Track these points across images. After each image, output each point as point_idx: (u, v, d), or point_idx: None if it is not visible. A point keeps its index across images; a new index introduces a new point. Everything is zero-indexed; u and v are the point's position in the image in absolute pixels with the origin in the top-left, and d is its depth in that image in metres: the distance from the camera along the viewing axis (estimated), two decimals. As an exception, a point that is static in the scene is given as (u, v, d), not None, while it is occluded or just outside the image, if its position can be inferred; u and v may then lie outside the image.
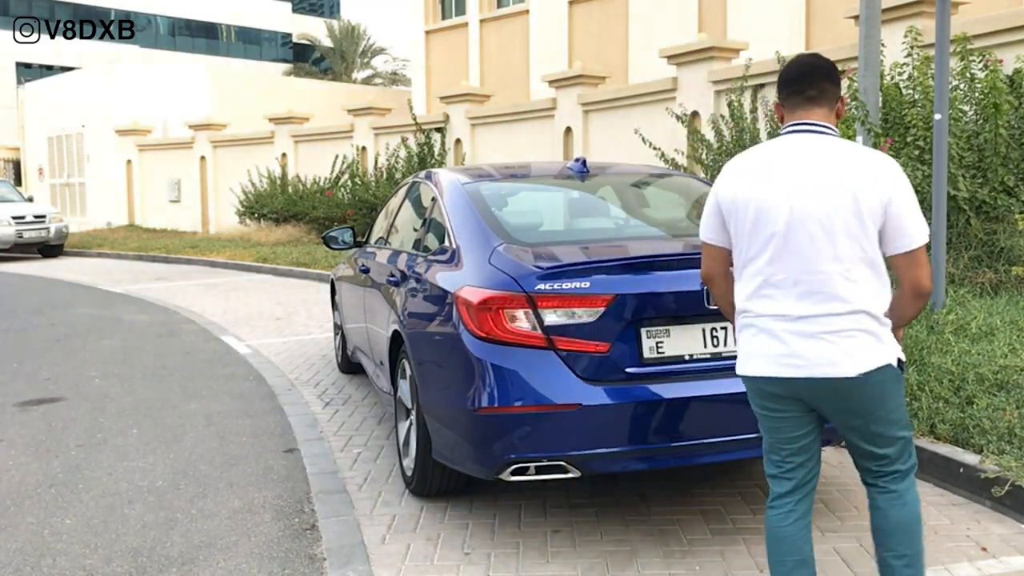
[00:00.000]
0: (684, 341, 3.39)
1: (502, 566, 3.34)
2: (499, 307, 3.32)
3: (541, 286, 3.32)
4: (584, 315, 3.30)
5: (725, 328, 3.42)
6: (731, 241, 2.55)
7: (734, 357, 3.39)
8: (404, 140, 16.28)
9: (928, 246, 3.15)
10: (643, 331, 3.35)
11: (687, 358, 3.37)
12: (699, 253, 3.68)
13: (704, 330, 3.41)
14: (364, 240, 6.15)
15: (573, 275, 3.34)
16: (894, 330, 2.44)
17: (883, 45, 7.72)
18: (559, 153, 13.75)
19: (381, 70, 47.91)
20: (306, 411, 5.69)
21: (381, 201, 14.37)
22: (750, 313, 2.50)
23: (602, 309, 3.29)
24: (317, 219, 16.99)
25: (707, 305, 3.35)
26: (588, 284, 3.32)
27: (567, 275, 3.35)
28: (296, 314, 10.01)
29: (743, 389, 3.35)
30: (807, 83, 2.50)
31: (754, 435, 3.39)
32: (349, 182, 16.99)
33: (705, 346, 3.40)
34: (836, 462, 4.41)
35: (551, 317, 3.30)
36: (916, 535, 2.51)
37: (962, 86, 7.36)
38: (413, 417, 4.04)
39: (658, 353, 3.35)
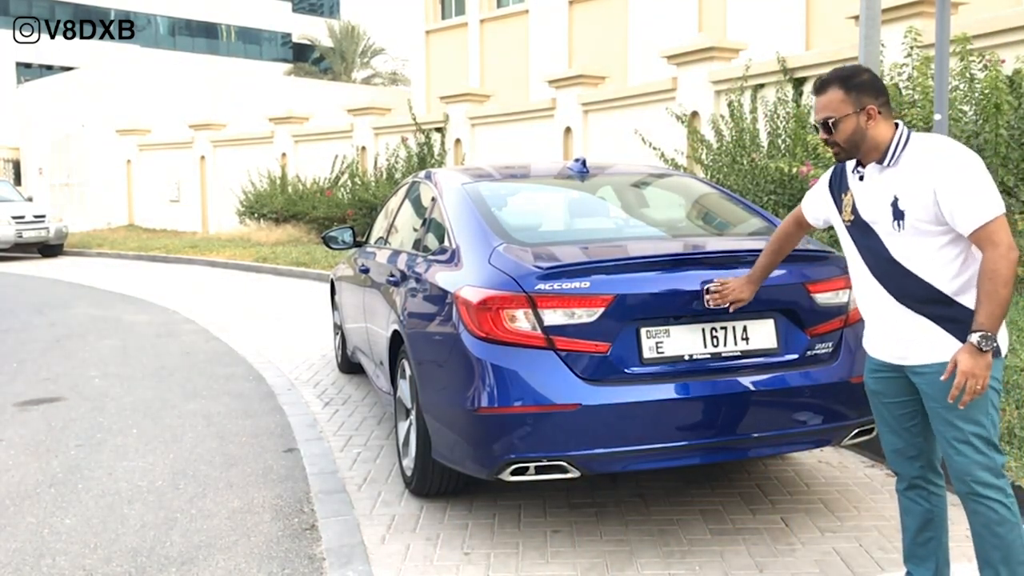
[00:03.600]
0: (684, 341, 3.38)
1: (502, 566, 3.34)
2: (499, 307, 3.32)
3: (541, 286, 3.31)
4: (584, 315, 3.29)
5: (725, 328, 3.42)
6: None
7: (734, 357, 3.42)
8: (404, 140, 16.28)
9: None
10: (643, 331, 3.35)
11: (687, 358, 3.37)
12: (698, 253, 3.70)
13: (704, 330, 3.41)
14: (364, 240, 6.15)
15: (573, 275, 3.34)
16: None
17: (883, 45, 7.73)
18: (559, 153, 13.75)
19: (381, 70, 47.97)
20: (306, 411, 5.69)
21: (381, 201, 14.37)
22: None
23: (602, 309, 3.29)
24: (317, 219, 16.99)
25: (707, 305, 3.35)
26: (588, 284, 3.32)
27: (567, 275, 3.34)
28: (296, 314, 10.01)
29: (742, 389, 3.37)
30: None
31: (753, 435, 3.40)
32: (349, 182, 16.99)
33: (705, 346, 3.40)
34: (836, 463, 4.41)
35: (551, 317, 3.29)
36: None
37: (962, 86, 7.36)
38: (413, 417, 4.04)
39: (658, 353, 3.35)
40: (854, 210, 2.68)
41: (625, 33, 18.52)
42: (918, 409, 2.70)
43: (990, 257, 2.40)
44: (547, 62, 19.54)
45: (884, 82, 7.84)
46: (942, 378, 2.49)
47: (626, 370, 3.31)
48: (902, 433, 2.76)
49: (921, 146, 2.55)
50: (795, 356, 3.47)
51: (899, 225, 2.53)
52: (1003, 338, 2.56)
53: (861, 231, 2.67)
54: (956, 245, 2.50)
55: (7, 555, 3.56)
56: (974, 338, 2.40)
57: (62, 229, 19.02)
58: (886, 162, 2.57)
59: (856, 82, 2.59)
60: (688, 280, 3.39)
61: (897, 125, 2.60)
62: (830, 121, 2.60)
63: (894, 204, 2.54)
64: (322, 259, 13.95)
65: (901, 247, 2.55)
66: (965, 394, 2.41)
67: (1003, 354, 2.56)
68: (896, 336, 2.62)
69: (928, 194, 2.47)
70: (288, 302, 11.05)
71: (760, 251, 3.73)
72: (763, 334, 3.47)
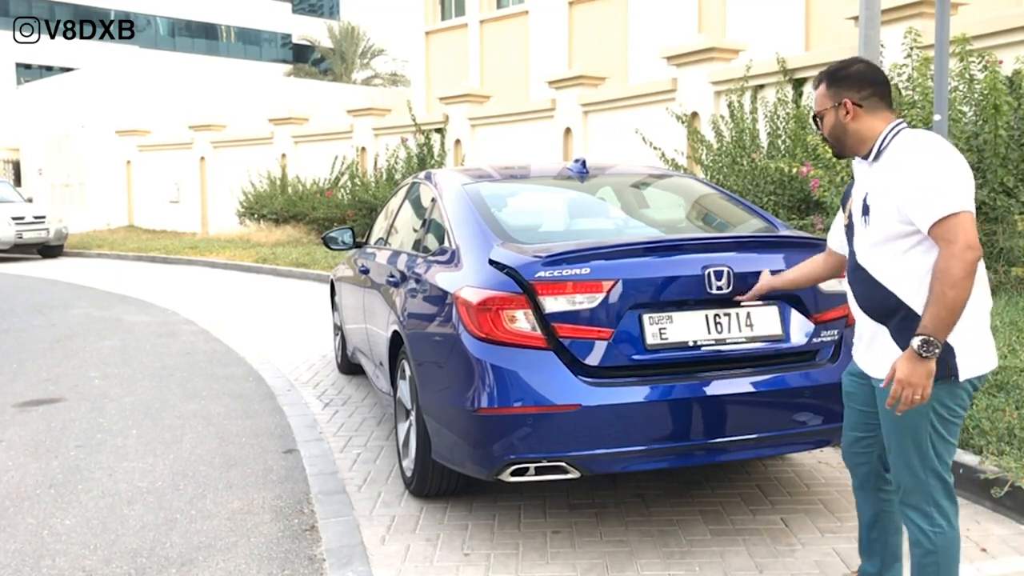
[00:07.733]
0: (688, 327, 3.37)
1: (501, 567, 3.34)
2: (498, 308, 3.32)
3: (541, 273, 3.31)
4: (585, 301, 3.30)
5: (729, 315, 3.42)
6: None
7: (739, 343, 3.40)
8: (404, 141, 16.28)
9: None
10: (645, 317, 3.34)
11: (691, 344, 3.36)
12: (696, 239, 3.69)
13: (707, 316, 3.40)
14: (364, 241, 6.15)
15: (573, 261, 3.35)
16: None
17: (883, 46, 7.73)
18: (559, 154, 13.75)
19: (381, 71, 48.01)
20: (306, 412, 5.68)
21: (381, 202, 14.37)
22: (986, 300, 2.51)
23: (603, 295, 3.29)
24: (317, 220, 16.99)
25: (709, 291, 3.35)
26: (588, 270, 3.32)
27: (567, 261, 3.35)
28: (295, 315, 10.01)
29: (744, 389, 3.36)
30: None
31: (755, 435, 3.40)
32: (349, 183, 16.99)
33: (709, 332, 3.38)
34: (836, 463, 4.41)
35: (552, 304, 3.29)
36: None
37: (961, 87, 7.36)
38: (413, 418, 4.04)
39: (662, 339, 3.34)
40: (849, 213, 2.67)
41: (625, 33, 18.52)
42: (880, 422, 2.67)
43: (943, 255, 2.27)
44: (547, 62, 19.54)
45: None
46: (882, 386, 2.43)
47: (631, 357, 3.30)
48: (859, 438, 2.79)
49: (900, 142, 2.47)
50: (801, 343, 3.47)
51: (866, 220, 2.50)
52: (965, 360, 2.39)
53: (849, 233, 2.66)
54: (922, 254, 2.38)
55: (7, 556, 3.56)
56: (915, 342, 2.27)
57: (62, 230, 19.01)
58: (870, 158, 2.54)
59: (839, 76, 2.57)
60: (689, 265, 3.39)
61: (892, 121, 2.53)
62: (816, 116, 2.65)
63: (864, 199, 2.53)
64: (322, 260, 13.95)
65: (867, 250, 2.50)
66: (901, 404, 2.32)
67: (960, 379, 2.40)
68: (864, 345, 2.61)
69: (893, 190, 2.40)
70: (288, 303, 11.05)
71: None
72: (767, 320, 3.46)
